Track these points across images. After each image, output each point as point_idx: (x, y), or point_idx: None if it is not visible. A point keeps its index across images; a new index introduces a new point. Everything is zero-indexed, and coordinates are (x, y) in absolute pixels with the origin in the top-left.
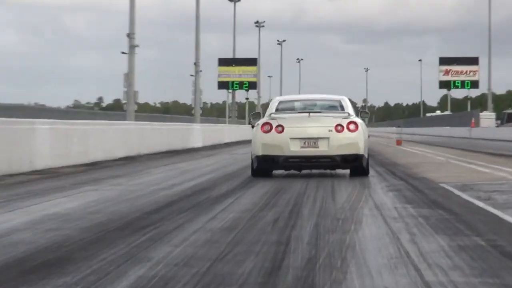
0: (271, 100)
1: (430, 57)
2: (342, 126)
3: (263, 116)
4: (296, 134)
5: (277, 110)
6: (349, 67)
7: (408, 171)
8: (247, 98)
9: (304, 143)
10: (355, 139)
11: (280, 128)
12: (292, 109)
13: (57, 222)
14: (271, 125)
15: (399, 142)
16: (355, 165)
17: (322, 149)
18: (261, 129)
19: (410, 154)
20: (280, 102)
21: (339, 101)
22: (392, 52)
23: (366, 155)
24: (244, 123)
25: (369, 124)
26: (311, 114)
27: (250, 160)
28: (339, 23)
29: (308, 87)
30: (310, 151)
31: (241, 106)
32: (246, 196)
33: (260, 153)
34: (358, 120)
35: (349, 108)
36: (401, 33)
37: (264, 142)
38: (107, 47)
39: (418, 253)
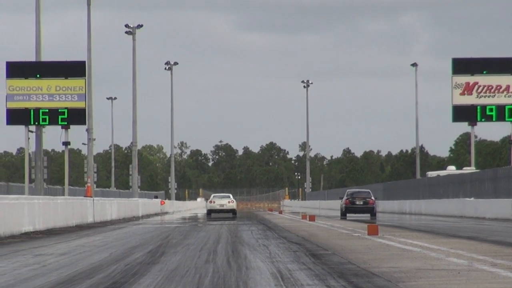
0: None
1: (427, 59)
2: (230, 201)
3: (209, 198)
4: (218, 202)
5: (213, 196)
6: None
7: None
8: (67, 143)
9: (220, 206)
10: (233, 204)
11: (214, 201)
12: (218, 196)
13: None
14: (211, 201)
15: (373, 230)
16: (234, 214)
17: (226, 208)
18: (209, 202)
19: None
20: (214, 196)
21: (230, 196)
22: (351, 44)
23: (236, 209)
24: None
25: (311, 196)
26: (222, 198)
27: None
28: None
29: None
30: (222, 208)
31: (57, 160)
32: None
33: (208, 208)
34: (234, 199)
35: (231, 197)
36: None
37: (210, 205)
38: None
39: None
